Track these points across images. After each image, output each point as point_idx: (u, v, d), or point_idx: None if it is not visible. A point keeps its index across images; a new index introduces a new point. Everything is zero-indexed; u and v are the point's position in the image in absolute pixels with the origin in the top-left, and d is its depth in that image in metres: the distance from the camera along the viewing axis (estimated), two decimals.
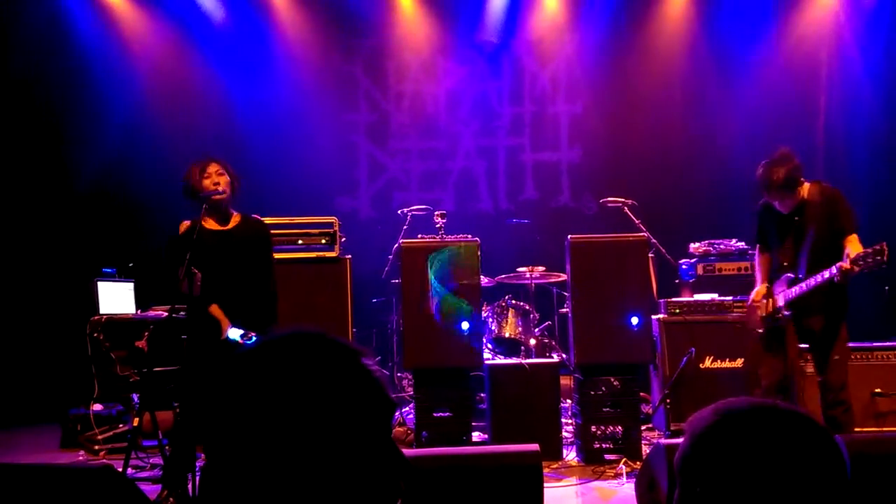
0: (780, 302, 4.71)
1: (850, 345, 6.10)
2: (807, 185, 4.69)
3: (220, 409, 1.12)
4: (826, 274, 4.39)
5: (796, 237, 4.69)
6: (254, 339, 4.48)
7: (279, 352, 1.14)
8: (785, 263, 4.75)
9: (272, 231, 5.83)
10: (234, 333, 4.50)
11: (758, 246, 5.09)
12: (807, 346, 4.87)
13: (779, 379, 4.73)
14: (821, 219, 4.59)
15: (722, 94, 8.72)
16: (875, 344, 6.14)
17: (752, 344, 4.98)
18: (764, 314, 4.82)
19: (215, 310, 4.57)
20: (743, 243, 6.71)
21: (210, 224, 4.68)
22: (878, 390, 5.93)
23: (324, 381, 1.11)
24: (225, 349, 4.47)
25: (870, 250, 4.21)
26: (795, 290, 4.60)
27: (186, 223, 4.69)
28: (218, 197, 4.58)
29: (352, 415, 1.10)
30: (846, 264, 4.25)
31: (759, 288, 4.92)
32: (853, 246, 4.40)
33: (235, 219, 4.75)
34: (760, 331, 4.85)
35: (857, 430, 5.66)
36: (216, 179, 4.62)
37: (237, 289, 4.62)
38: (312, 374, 1.11)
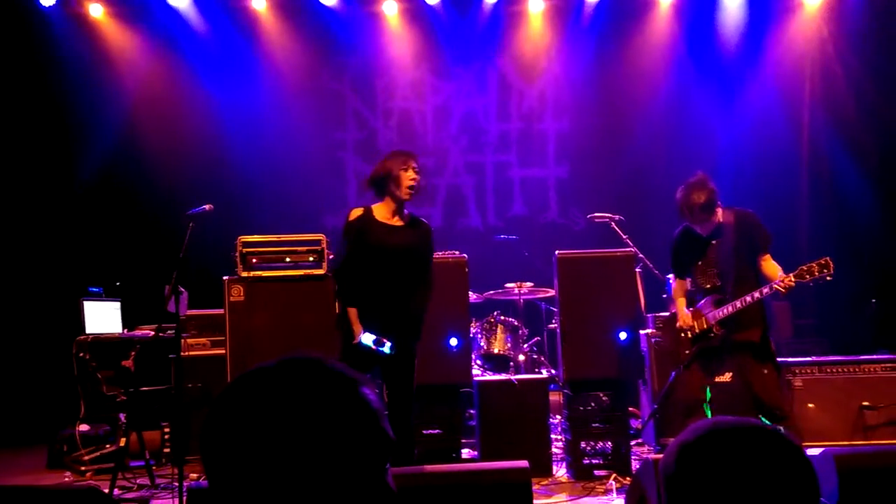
0: (712, 321, 4.86)
1: (837, 358, 6.19)
2: (720, 210, 4.87)
3: (218, 434, 1.11)
4: (765, 290, 4.61)
5: (716, 259, 4.87)
6: (387, 345, 4.32)
7: (276, 379, 1.13)
8: (708, 286, 4.91)
9: (259, 248, 5.83)
10: (367, 339, 4.32)
11: (673, 277, 5.24)
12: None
13: (696, 396, 4.96)
14: (739, 240, 4.79)
15: (707, 109, 8.79)
16: (862, 357, 6.17)
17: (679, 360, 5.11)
18: (693, 335, 4.96)
19: (351, 314, 4.43)
20: None
21: (382, 216, 4.56)
22: (866, 403, 5.94)
23: (320, 410, 1.09)
24: (357, 353, 4.35)
25: (815, 265, 4.46)
26: (728, 308, 4.75)
27: (358, 211, 4.59)
28: (409, 196, 4.49)
29: (346, 445, 1.09)
30: (790, 280, 4.48)
31: (685, 311, 5.03)
32: (769, 264, 4.73)
33: (407, 217, 4.62)
34: (688, 351, 4.98)
35: (845, 443, 5.70)
36: (414, 177, 4.49)
37: (398, 286, 4.47)
38: (309, 402, 1.10)
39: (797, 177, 8.75)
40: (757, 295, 4.64)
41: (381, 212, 4.56)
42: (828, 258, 4.45)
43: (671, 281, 5.36)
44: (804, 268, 4.48)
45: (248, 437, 1.08)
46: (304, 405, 1.09)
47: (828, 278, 4.44)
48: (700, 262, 4.96)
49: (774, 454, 1.21)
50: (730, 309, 4.74)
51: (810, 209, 8.71)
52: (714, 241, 4.89)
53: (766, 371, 4.77)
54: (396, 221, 4.56)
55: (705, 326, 4.89)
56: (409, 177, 4.48)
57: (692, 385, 5.03)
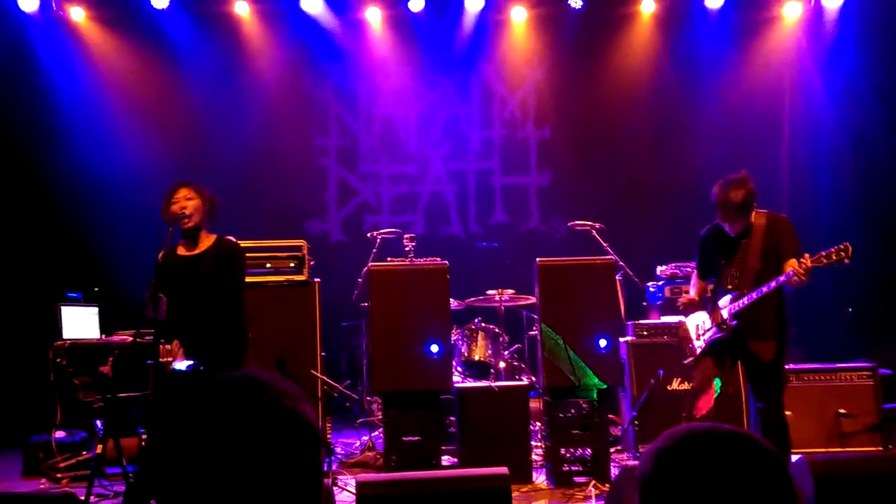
0: (726, 315, 4.72)
1: (814, 366, 6.24)
2: (754, 212, 4.77)
3: (163, 449, 1.19)
4: (782, 278, 4.44)
5: (741, 259, 4.73)
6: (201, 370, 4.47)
7: (211, 398, 1.20)
8: (730, 286, 4.75)
9: None
10: (181, 365, 4.45)
11: (695, 273, 5.10)
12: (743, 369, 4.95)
13: (705, 384, 4.81)
14: (766, 243, 4.67)
15: (688, 118, 8.86)
16: (838, 365, 6.22)
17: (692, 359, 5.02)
18: (703, 330, 4.86)
19: (174, 343, 4.59)
20: None
21: (181, 250, 4.66)
22: (842, 411, 6.00)
23: (255, 425, 1.17)
24: (175, 378, 4.46)
25: (833, 249, 4.36)
26: (745, 300, 4.61)
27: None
28: (185, 223, 4.56)
29: (277, 457, 1.16)
30: (801, 269, 4.34)
31: (692, 295, 4.98)
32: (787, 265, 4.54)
33: (207, 242, 4.66)
34: (697, 343, 4.89)
35: (821, 450, 5.75)
36: (183, 204, 4.57)
37: (204, 316, 4.57)
38: (242, 419, 1.17)
39: (777, 186, 8.83)
40: (766, 290, 4.49)
41: (182, 246, 4.69)
42: (847, 243, 4.36)
43: (692, 278, 5.15)
44: (822, 253, 4.40)
45: (189, 455, 1.16)
46: (238, 422, 1.17)
47: (845, 261, 4.33)
48: (724, 262, 4.81)
49: (749, 460, 1.22)
50: (745, 301, 4.58)
51: (790, 218, 8.77)
52: (744, 241, 4.73)
53: (777, 389, 4.67)
54: (195, 251, 4.66)
55: (720, 321, 4.75)
56: (178, 207, 4.57)
57: (705, 373, 4.85)
